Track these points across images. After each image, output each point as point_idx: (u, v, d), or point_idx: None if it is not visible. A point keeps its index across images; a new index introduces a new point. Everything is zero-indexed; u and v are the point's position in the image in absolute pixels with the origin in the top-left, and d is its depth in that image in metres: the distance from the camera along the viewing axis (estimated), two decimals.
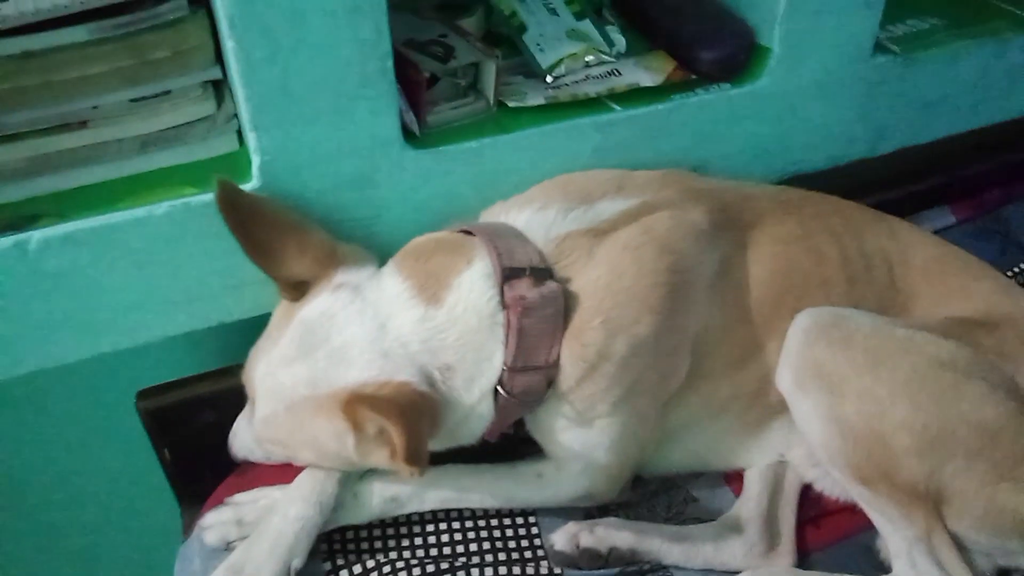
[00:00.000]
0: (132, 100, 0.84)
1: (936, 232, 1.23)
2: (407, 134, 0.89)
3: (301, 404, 0.81)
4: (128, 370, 1.02)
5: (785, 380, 0.90)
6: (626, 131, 0.98)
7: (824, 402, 0.87)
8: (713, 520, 0.96)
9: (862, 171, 1.20)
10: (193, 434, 1.00)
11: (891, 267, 1.00)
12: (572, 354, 0.83)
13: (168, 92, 0.85)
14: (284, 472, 0.91)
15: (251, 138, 0.83)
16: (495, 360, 0.82)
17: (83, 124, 0.84)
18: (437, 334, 0.81)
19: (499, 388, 0.82)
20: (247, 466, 0.96)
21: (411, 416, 0.74)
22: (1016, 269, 1.25)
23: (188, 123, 0.87)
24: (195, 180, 0.85)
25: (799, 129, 1.09)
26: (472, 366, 0.81)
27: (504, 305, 0.82)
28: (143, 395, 0.98)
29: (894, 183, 1.29)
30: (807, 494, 0.99)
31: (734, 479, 1.01)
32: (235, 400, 0.91)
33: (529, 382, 0.83)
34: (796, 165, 1.13)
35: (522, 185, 0.95)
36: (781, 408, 0.95)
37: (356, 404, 0.76)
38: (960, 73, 1.16)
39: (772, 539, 0.93)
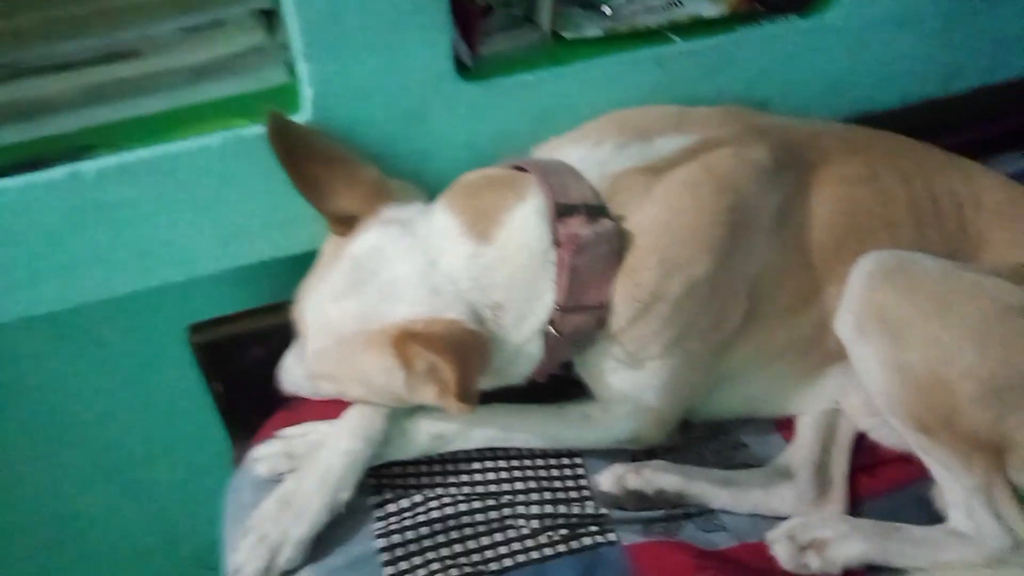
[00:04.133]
0: (183, 29, 0.84)
1: (1010, 176, 1.17)
2: (460, 66, 0.87)
3: (351, 339, 0.80)
4: (181, 304, 1.02)
5: (846, 325, 0.88)
6: (687, 65, 0.95)
7: (886, 348, 0.84)
8: (762, 467, 0.95)
9: (934, 111, 1.14)
10: (244, 369, 1.01)
11: (961, 211, 0.96)
12: (625, 294, 0.81)
13: (219, 21, 0.84)
14: (333, 408, 0.91)
15: (302, 69, 0.81)
16: (546, 299, 0.81)
17: (135, 54, 0.84)
18: (487, 271, 0.80)
19: (549, 327, 0.81)
20: (296, 401, 0.97)
21: (461, 353, 0.73)
22: None
23: (239, 53, 0.86)
24: (246, 112, 0.84)
25: (869, 65, 1.04)
26: (522, 304, 0.80)
27: (557, 243, 0.80)
28: (195, 329, 0.99)
29: (967, 124, 1.22)
30: (861, 443, 0.96)
31: (785, 426, 0.99)
32: (285, 336, 0.92)
33: (580, 322, 0.81)
34: (865, 103, 1.08)
35: (577, 120, 0.92)
36: (838, 354, 0.92)
37: (406, 340, 0.75)
38: None
39: (823, 486, 0.92)
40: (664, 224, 0.82)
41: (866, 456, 0.96)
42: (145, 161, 0.81)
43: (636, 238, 0.82)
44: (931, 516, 0.89)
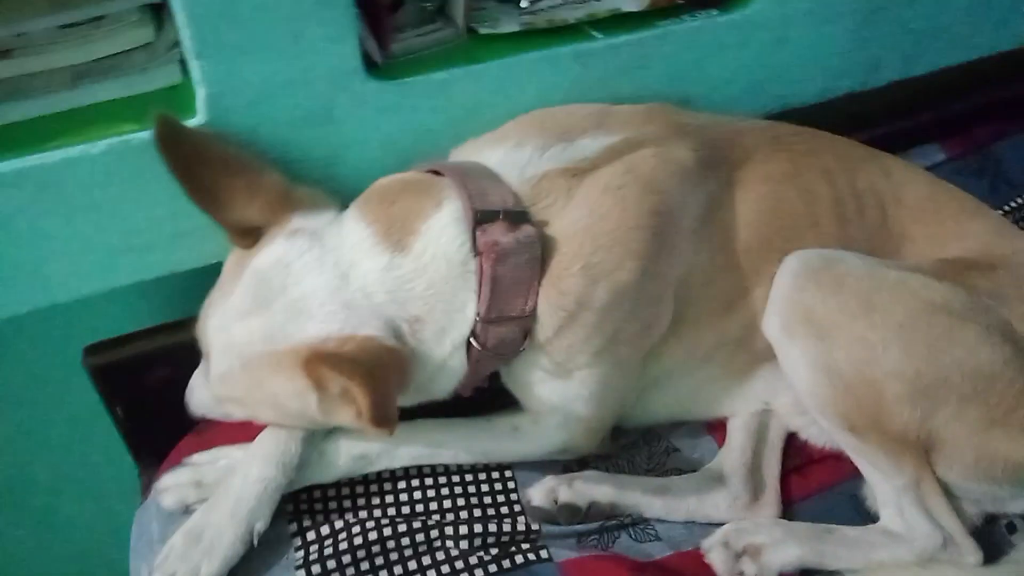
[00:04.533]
0: (61, 27, 0.76)
1: (926, 169, 1.19)
2: (369, 64, 0.82)
3: (258, 361, 0.75)
4: (77, 324, 0.95)
5: (772, 326, 0.86)
6: (607, 61, 0.92)
7: (813, 349, 0.83)
8: (695, 471, 0.94)
9: (853, 106, 1.14)
10: (147, 391, 0.94)
11: (884, 207, 0.96)
12: (550, 303, 0.78)
13: (102, 17, 0.77)
14: (245, 429, 0.86)
15: (195, 68, 0.75)
16: (467, 311, 0.77)
17: (7, 53, 0.76)
18: (404, 284, 0.76)
19: (472, 340, 0.77)
20: (205, 423, 0.91)
21: (377, 374, 0.69)
22: (1007, 207, 1.21)
23: (125, 52, 0.79)
24: (135, 115, 0.78)
25: (790, 59, 1.03)
26: (442, 317, 0.76)
27: (476, 251, 0.76)
28: (91, 350, 0.92)
29: (885, 119, 1.24)
30: (792, 443, 0.96)
31: (716, 428, 0.98)
32: (191, 354, 0.85)
33: (504, 333, 0.77)
34: (786, 98, 1.07)
35: (495, 120, 0.88)
36: (767, 355, 0.91)
37: (317, 362, 0.70)
38: (957, 1, 1.10)
39: (756, 489, 0.91)
40: (586, 229, 0.79)
41: (797, 456, 0.95)
42: (23, 171, 0.74)
43: (559, 244, 0.78)
44: (863, 514, 0.90)
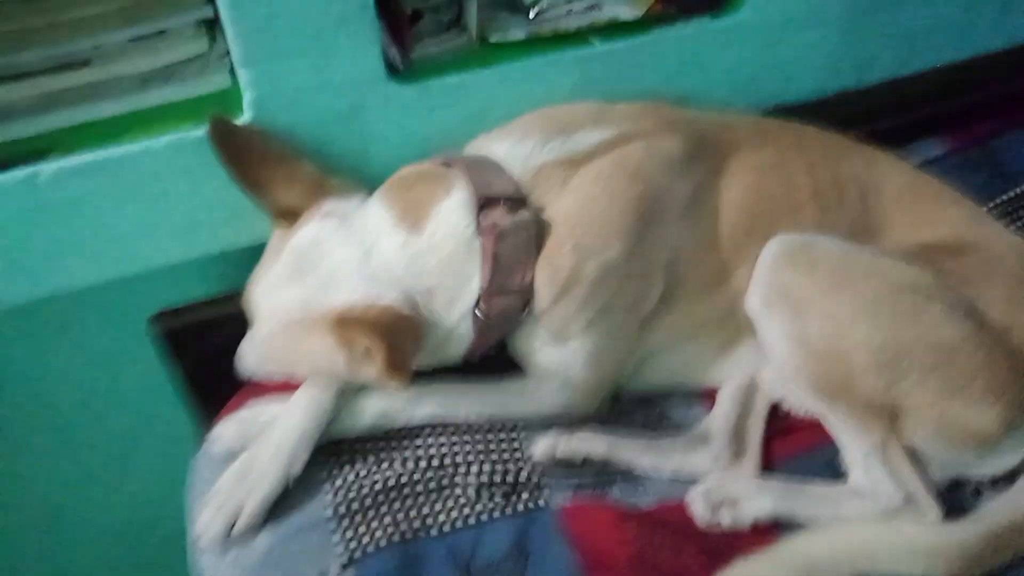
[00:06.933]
0: (131, 40, 0.89)
1: (926, 163, 1.24)
2: (392, 69, 0.93)
3: (295, 325, 0.87)
4: (144, 296, 1.08)
5: (754, 302, 0.95)
6: (606, 65, 1.01)
7: (789, 323, 0.91)
8: (683, 434, 1.02)
9: (849, 102, 1.20)
10: (205, 355, 1.06)
11: (864, 196, 1.03)
12: (545, 277, 0.89)
13: (164, 31, 0.90)
14: (284, 388, 0.98)
15: (242, 74, 0.87)
16: (472, 284, 0.88)
17: (85, 63, 0.89)
18: (418, 259, 0.87)
19: (476, 311, 0.88)
20: (253, 384, 1.03)
21: (394, 336, 0.80)
22: (1000, 199, 1.25)
23: (183, 61, 0.92)
24: (191, 115, 0.90)
25: (781, 60, 1.11)
26: (451, 289, 0.87)
27: (480, 232, 0.87)
28: (156, 319, 1.05)
29: (883, 114, 1.29)
30: (776, 412, 1.03)
31: (708, 397, 1.05)
32: (243, 323, 0.98)
33: (505, 304, 0.88)
34: (779, 97, 1.14)
35: (505, 118, 0.98)
36: (751, 330, 0.99)
37: (344, 325, 0.82)
38: (948, 1, 1.15)
39: (738, 450, 0.99)
40: (579, 213, 0.89)
41: (780, 423, 1.03)
42: (96, 163, 0.87)
43: (554, 226, 0.89)
44: (837, 476, 0.96)
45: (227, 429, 0.97)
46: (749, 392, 1.04)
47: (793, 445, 1.01)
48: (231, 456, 0.94)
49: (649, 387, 1.06)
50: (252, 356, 0.98)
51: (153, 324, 1.05)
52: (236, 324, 0.98)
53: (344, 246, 0.88)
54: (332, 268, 0.87)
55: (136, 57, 0.90)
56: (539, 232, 0.88)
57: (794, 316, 0.91)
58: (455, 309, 0.88)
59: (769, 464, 1.00)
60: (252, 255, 0.95)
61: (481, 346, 0.92)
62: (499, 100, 0.99)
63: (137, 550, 1.36)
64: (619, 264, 0.90)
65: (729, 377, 1.04)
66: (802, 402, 1.00)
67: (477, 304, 0.88)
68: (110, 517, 1.33)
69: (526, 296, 0.89)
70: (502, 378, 1.00)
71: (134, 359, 1.14)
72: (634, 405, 1.06)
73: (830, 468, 0.98)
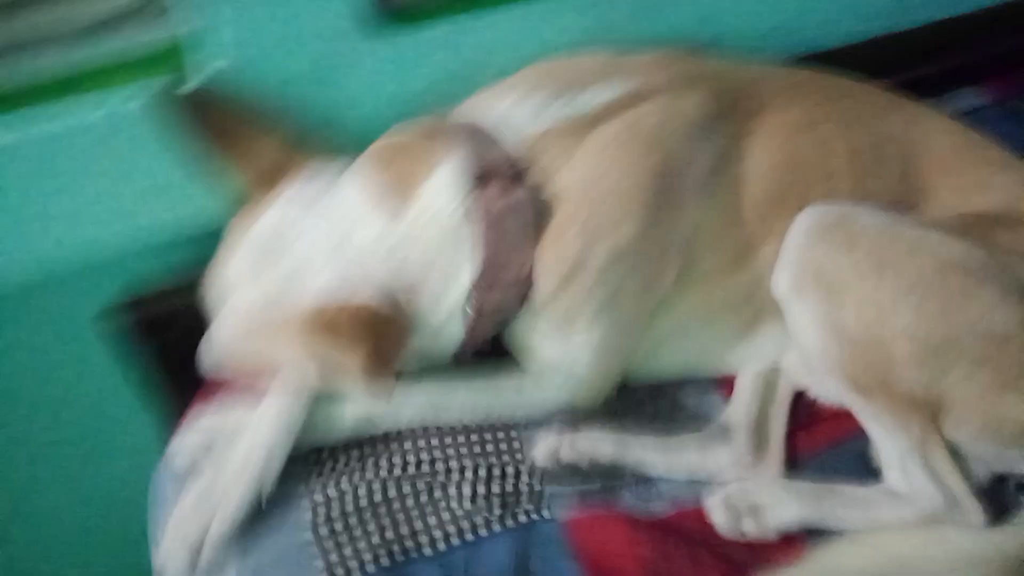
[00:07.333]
0: None
1: (966, 113, 1.14)
2: (374, 16, 0.79)
3: (257, 329, 0.76)
4: (91, 289, 0.96)
5: (781, 284, 0.85)
6: (621, 6, 0.88)
7: (822, 308, 0.81)
8: (702, 427, 0.93)
9: (885, 48, 1.09)
10: (164, 351, 0.95)
11: (905, 159, 0.92)
12: (547, 264, 0.77)
13: None
14: (255, 390, 0.87)
15: (196, 26, 0.73)
16: (462, 277, 0.76)
17: (11, 10, 0.75)
18: (399, 250, 0.75)
19: (467, 307, 0.77)
20: (219, 384, 0.92)
21: (373, 339, 0.69)
22: None
23: (124, 11, 0.77)
24: (134, 76, 0.77)
25: (815, 2, 0.98)
26: (438, 284, 0.76)
27: (471, 216, 0.75)
28: (110, 312, 0.93)
29: (919, 61, 1.17)
30: (799, 401, 0.94)
31: (725, 385, 0.96)
32: (204, 315, 0.86)
33: (500, 299, 0.77)
34: (812, 43, 1.03)
35: (501, 71, 0.85)
36: (775, 313, 0.89)
37: (314, 329, 0.71)
38: None
39: (760, 446, 0.90)
40: (586, 189, 0.77)
41: (804, 413, 0.94)
42: (28, 137, 0.74)
43: (557, 205, 0.77)
44: (869, 472, 0.88)
45: (187, 441, 0.86)
46: (770, 380, 0.95)
47: (820, 438, 0.93)
48: (194, 471, 0.84)
49: (660, 375, 0.96)
50: (214, 357, 0.86)
51: (102, 321, 0.93)
52: (197, 317, 0.87)
53: (315, 232, 0.75)
54: (301, 260, 0.75)
55: (70, 5, 0.76)
56: (540, 211, 0.76)
57: (828, 300, 0.81)
58: (442, 306, 0.77)
59: (793, 460, 0.91)
60: (208, 241, 0.83)
61: (473, 345, 0.82)
62: (496, 49, 0.86)
63: (104, 550, 1.27)
64: (631, 248, 0.79)
65: (749, 364, 0.95)
66: (832, 394, 0.91)
67: (468, 299, 0.77)
68: (73, 516, 1.24)
69: (524, 288, 0.78)
70: (496, 372, 0.89)
71: (83, 356, 1.02)
72: (644, 394, 0.96)
73: (860, 463, 0.90)
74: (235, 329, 0.77)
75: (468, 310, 0.77)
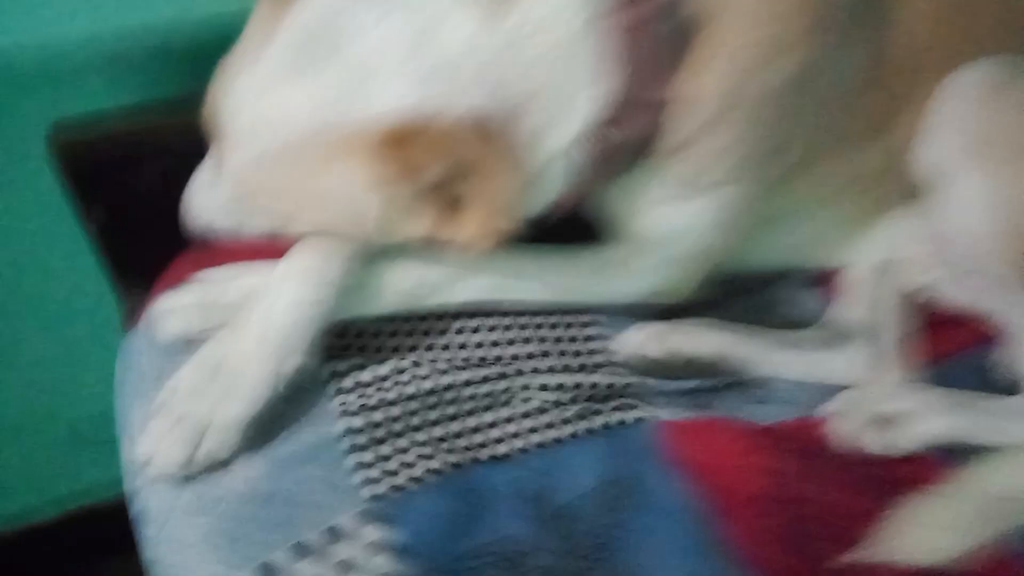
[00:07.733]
0: None
1: None
2: None
3: (304, 144, 0.55)
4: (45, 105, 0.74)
5: (939, 153, 0.71)
6: None
7: (991, 180, 0.68)
8: (796, 327, 0.79)
9: None
10: (135, 193, 0.74)
11: None
12: (688, 98, 0.59)
13: None
14: (262, 252, 0.67)
15: None
16: (577, 107, 0.58)
17: None
18: (501, 56, 0.56)
19: (574, 150, 0.59)
20: (209, 243, 0.72)
21: (479, 167, 0.50)
22: None
23: None
24: None
25: None
26: (542, 115, 0.57)
27: (595, 26, 0.56)
28: (59, 130, 0.71)
29: None
30: (917, 301, 0.81)
31: (823, 282, 0.83)
32: (190, 146, 0.65)
33: (621, 143, 0.59)
34: None
35: None
36: (901, 197, 0.76)
37: (397, 144, 0.51)
38: None
39: (880, 349, 0.77)
40: (744, 6, 0.59)
41: (923, 316, 0.81)
42: None
43: (707, 22, 0.59)
44: (995, 385, 0.76)
45: (182, 300, 0.66)
46: (886, 276, 0.81)
47: (942, 346, 0.80)
48: (185, 346, 0.64)
49: (757, 266, 0.81)
50: (216, 196, 0.66)
51: (54, 139, 0.71)
52: (179, 148, 0.66)
53: (383, 27, 0.55)
54: (367, 55, 0.55)
55: None
56: (681, 29, 0.58)
57: (999, 171, 0.68)
58: (544, 145, 0.58)
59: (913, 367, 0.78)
60: (206, 44, 0.63)
61: (573, 199, 0.63)
62: None
63: (35, 450, 1.05)
64: (788, 87, 0.62)
65: (862, 257, 0.81)
66: (964, 292, 0.77)
67: (578, 139, 0.58)
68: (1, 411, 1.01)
69: (656, 122, 0.60)
70: (574, 250, 0.72)
71: (26, 197, 0.79)
72: (734, 288, 0.81)
73: (979, 376, 0.77)
74: (266, 146, 0.56)
75: (575, 154, 0.59)
